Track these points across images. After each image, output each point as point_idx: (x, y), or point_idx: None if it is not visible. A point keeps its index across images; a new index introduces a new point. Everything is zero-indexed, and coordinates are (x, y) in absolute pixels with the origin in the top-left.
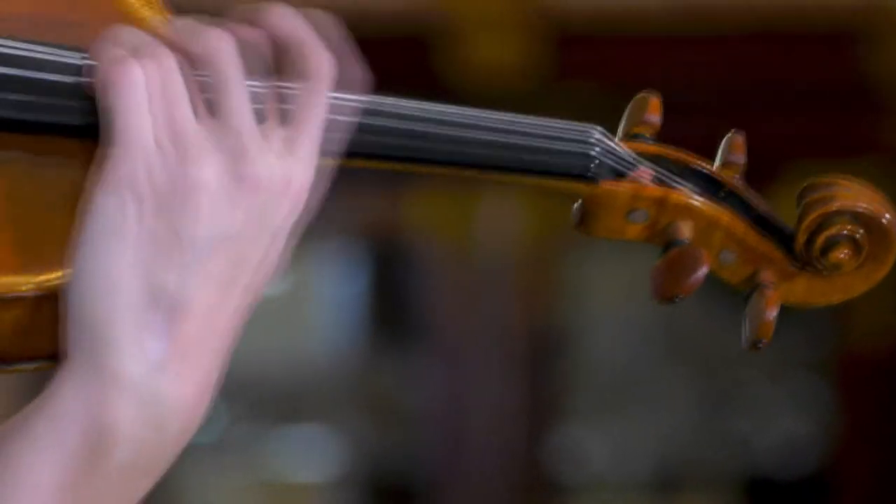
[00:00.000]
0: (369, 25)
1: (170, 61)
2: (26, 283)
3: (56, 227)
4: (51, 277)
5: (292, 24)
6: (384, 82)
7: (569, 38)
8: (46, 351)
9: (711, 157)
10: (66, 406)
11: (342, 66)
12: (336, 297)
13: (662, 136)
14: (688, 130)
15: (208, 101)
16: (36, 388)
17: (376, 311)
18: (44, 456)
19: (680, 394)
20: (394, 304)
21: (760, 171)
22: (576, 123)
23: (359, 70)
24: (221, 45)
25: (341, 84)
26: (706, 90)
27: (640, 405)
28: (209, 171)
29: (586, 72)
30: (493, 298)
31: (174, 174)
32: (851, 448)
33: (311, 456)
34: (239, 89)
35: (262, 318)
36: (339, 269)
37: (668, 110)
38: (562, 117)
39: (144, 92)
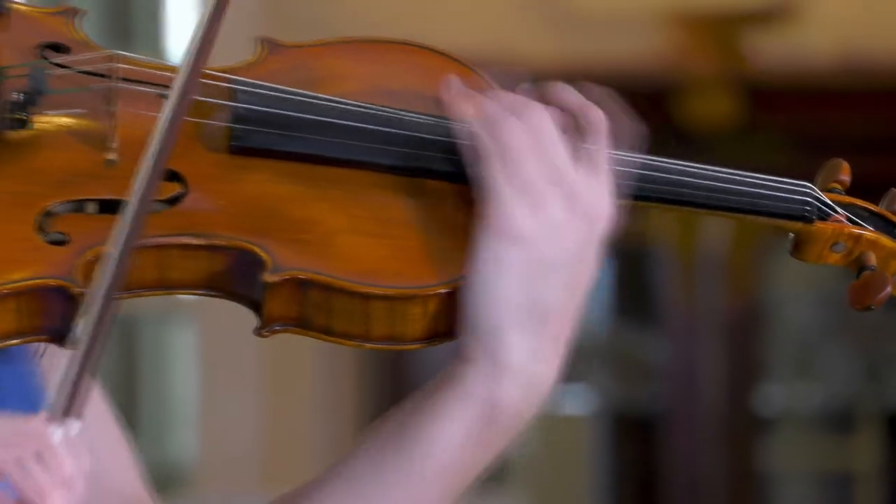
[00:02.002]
0: (621, 83)
1: (543, 115)
2: (437, 284)
3: (447, 246)
4: (449, 281)
5: (577, 97)
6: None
7: (761, 94)
8: (442, 332)
9: (877, 182)
10: (468, 387)
11: (622, 125)
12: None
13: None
14: (855, 164)
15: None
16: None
17: (623, 293)
18: (451, 422)
19: (847, 355)
20: (635, 288)
21: None
22: (792, 180)
23: (632, 127)
24: (594, 111)
25: (624, 141)
26: (870, 134)
27: (818, 363)
28: (561, 209)
29: (775, 122)
30: (710, 282)
31: (548, 215)
32: None
33: (575, 399)
34: (602, 144)
35: None
36: None
37: (839, 149)
38: (756, 159)
39: (521, 145)
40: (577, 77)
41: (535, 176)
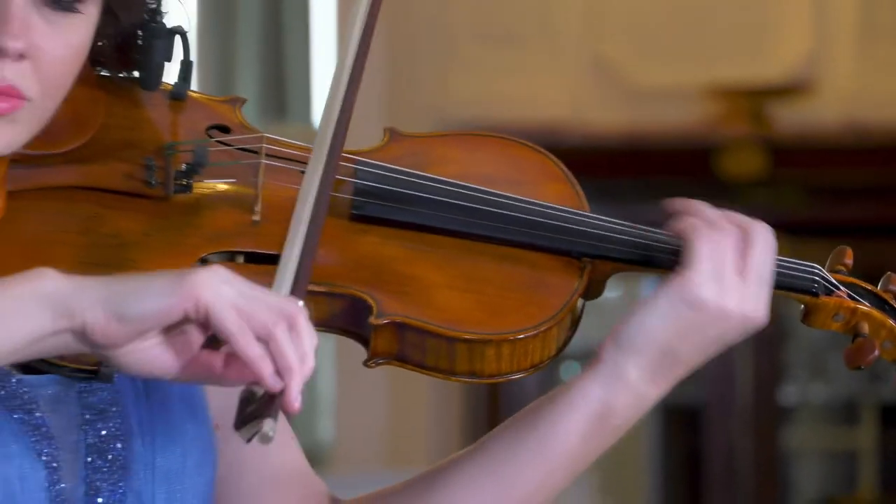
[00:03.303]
0: (671, 144)
1: (764, 228)
2: (508, 333)
3: (521, 301)
4: (518, 331)
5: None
6: (677, 181)
7: (782, 152)
8: (512, 370)
9: (878, 223)
10: (593, 390)
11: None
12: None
13: (846, 213)
14: (857, 209)
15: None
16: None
17: None
18: (574, 416)
19: None
20: None
21: None
22: (804, 262)
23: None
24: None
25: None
26: (871, 185)
27: (829, 366)
28: (736, 303)
29: (794, 175)
30: None
31: (725, 302)
32: None
33: None
34: (769, 259)
35: (602, 316)
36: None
37: (846, 197)
38: (779, 205)
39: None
40: (636, 139)
41: (731, 270)
